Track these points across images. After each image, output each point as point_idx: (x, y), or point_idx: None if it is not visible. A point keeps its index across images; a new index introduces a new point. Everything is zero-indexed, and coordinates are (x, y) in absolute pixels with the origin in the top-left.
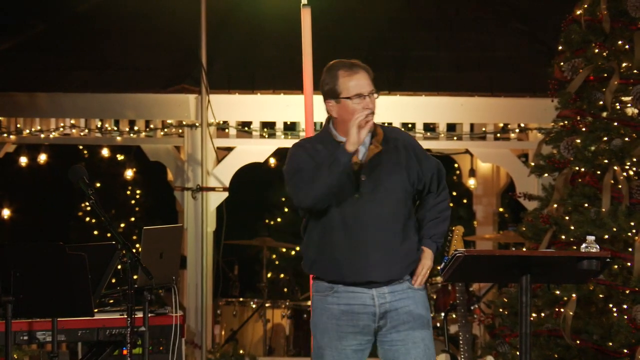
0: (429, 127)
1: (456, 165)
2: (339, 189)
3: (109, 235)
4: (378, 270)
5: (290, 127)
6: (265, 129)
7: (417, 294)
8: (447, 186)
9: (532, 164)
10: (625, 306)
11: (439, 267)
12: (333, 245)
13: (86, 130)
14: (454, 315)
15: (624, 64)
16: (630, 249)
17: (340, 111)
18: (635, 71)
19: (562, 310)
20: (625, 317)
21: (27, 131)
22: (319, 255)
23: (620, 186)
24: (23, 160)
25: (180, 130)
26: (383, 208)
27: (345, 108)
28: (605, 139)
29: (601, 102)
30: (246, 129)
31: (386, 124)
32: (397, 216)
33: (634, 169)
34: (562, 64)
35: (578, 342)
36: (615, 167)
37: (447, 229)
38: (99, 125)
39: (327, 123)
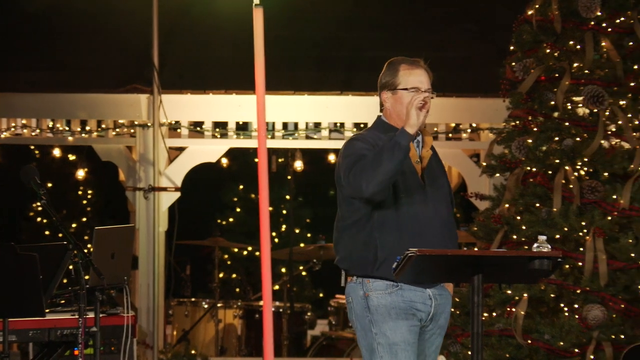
0: None
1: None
2: (397, 177)
3: (60, 235)
4: None
5: (242, 127)
6: (217, 129)
7: (451, 299)
8: None
9: (484, 163)
10: (576, 306)
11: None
12: (403, 245)
13: (38, 130)
14: None
15: (575, 64)
16: (581, 249)
17: (395, 103)
18: (586, 71)
19: (513, 310)
20: (577, 316)
21: None
22: (389, 255)
23: (571, 186)
24: None
25: (132, 130)
26: (441, 208)
27: (400, 99)
28: (557, 139)
29: (552, 102)
30: (198, 129)
31: (337, 124)
32: (450, 218)
33: (585, 169)
34: (513, 64)
35: (529, 341)
36: (567, 167)
37: None
38: (50, 125)
39: (377, 118)
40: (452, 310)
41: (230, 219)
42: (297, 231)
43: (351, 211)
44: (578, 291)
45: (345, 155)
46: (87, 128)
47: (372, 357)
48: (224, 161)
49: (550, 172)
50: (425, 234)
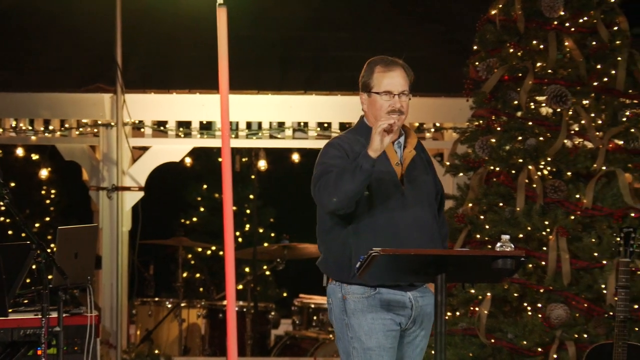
0: (345, 127)
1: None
2: (361, 194)
3: (23, 235)
4: None
5: (206, 127)
6: (181, 129)
7: (432, 297)
8: None
9: (447, 163)
10: (539, 305)
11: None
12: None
13: (0, 130)
14: None
15: (538, 64)
16: (544, 248)
17: (369, 105)
18: (549, 71)
19: (476, 309)
20: (540, 315)
21: None
22: None
23: (534, 185)
24: None
25: (95, 130)
26: (425, 211)
27: (373, 103)
28: (520, 138)
29: (516, 102)
30: (162, 128)
31: (301, 124)
32: (432, 221)
33: (548, 168)
34: (477, 63)
35: (493, 340)
36: (530, 167)
37: None
38: (13, 125)
39: (359, 119)
40: None
41: (194, 219)
42: (260, 231)
43: (327, 216)
44: (541, 290)
45: (318, 163)
46: (51, 127)
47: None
48: (188, 161)
49: (513, 172)
50: (402, 238)
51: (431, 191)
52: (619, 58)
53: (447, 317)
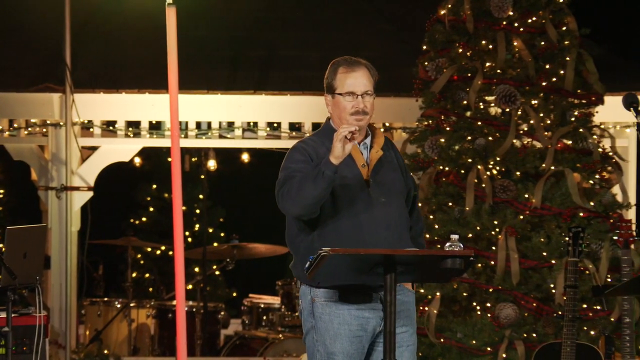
0: (295, 127)
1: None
2: (324, 199)
3: None
4: None
5: (155, 127)
6: (130, 129)
7: (414, 298)
8: None
9: None
10: (488, 304)
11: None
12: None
13: None
14: None
15: (487, 64)
16: (493, 248)
17: (334, 107)
18: (498, 71)
19: (426, 308)
20: (489, 315)
21: None
22: None
23: (483, 185)
24: None
25: (44, 130)
26: (390, 212)
27: (337, 104)
28: (469, 138)
29: (465, 102)
30: (111, 128)
31: (251, 124)
32: (401, 220)
33: (497, 168)
34: (426, 63)
35: (442, 340)
36: (479, 166)
37: None
38: None
39: (325, 121)
40: None
41: (144, 219)
42: (210, 230)
43: (294, 221)
44: (490, 290)
45: (282, 168)
46: None
47: None
48: (137, 160)
49: (462, 172)
50: (368, 240)
51: (401, 190)
52: (568, 58)
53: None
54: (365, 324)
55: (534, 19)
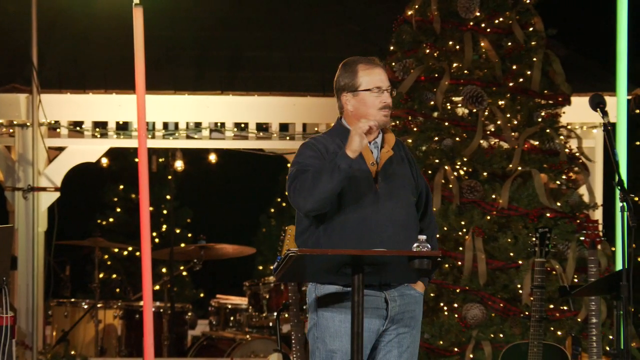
0: (262, 127)
1: (289, 165)
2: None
3: None
4: None
5: (122, 127)
6: (97, 129)
7: (420, 299)
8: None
9: None
10: (455, 305)
11: (271, 267)
12: (349, 248)
13: None
14: (286, 315)
15: (454, 65)
16: (460, 248)
17: (358, 104)
18: (465, 72)
19: None
20: (456, 315)
21: None
22: None
23: (450, 186)
24: None
25: (10, 130)
26: (399, 210)
27: (362, 100)
28: (436, 138)
29: (432, 102)
30: (78, 128)
31: (218, 124)
32: (409, 220)
33: (464, 168)
34: (393, 64)
35: None
36: (446, 167)
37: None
38: None
39: (336, 122)
40: None
41: (111, 219)
42: (177, 231)
43: (303, 217)
44: (457, 290)
45: (293, 163)
46: None
47: (312, 359)
48: (104, 161)
49: (430, 172)
50: (374, 238)
51: (410, 190)
52: (535, 59)
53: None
54: (367, 323)
55: (500, 19)
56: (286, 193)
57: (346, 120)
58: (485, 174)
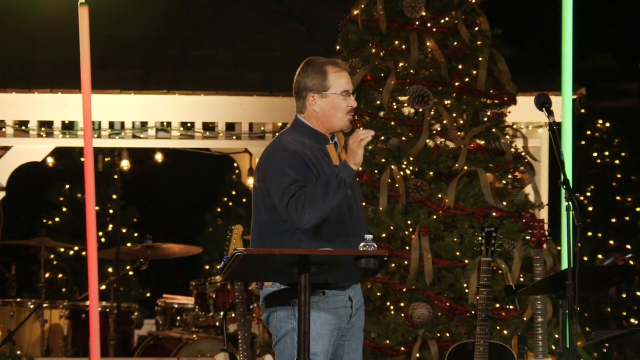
0: (208, 127)
1: (235, 164)
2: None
3: None
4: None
5: (68, 127)
6: (43, 128)
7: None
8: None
9: None
10: (402, 304)
11: (218, 267)
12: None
13: None
14: (233, 314)
15: (400, 64)
16: (407, 247)
17: (326, 106)
18: (411, 71)
19: None
20: (402, 315)
21: None
22: None
23: (397, 185)
24: None
25: None
26: (361, 209)
27: (331, 103)
28: (383, 138)
29: (378, 102)
30: (23, 128)
31: (164, 124)
32: (364, 217)
33: (411, 168)
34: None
35: None
36: (392, 166)
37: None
38: None
39: (297, 120)
40: None
41: (57, 219)
42: (124, 231)
43: (278, 220)
44: (404, 289)
45: (278, 171)
46: None
47: None
48: (50, 160)
49: (376, 172)
50: (351, 237)
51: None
52: (480, 58)
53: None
54: (340, 322)
55: (446, 19)
56: (282, 206)
57: (308, 120)
58: (431, 173)
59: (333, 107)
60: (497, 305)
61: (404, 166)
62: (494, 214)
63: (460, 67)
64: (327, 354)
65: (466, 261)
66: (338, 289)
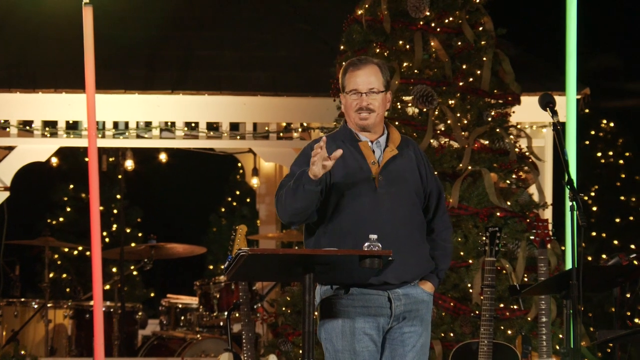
0: (212, 127)
1: (239, 164)
2: (312, 209)
3: None
4: (392, 272)
5: (72, 127)
6: (47, 128)
7: (429, 299)
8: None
9: None
10: None
11: (222, 266)
12: (347, 248)
13: None
14: (237, 314)
15: (404, 64)
16: None
17: (344, 105)
18: (415, 71)
19: None
20: None
21: None
22: None
23: None
24: None
25: None
26: (399, 210)
27: (346, 102)
28: None
29: None
30: (27, 128)
31: (168, 124)
32: (412, 219)
33: None
34: (343, 63)
35: None
36: None
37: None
38: None
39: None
40: (283, 309)
41: (61, 219)
42: (128, 231)
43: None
44: None
45: (290, 167)
46: None
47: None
48: (54, 160)
49: None
50: (382, 234)
51: (415, 189)
52: (484, 58)
53: (314, 317)
54: (373, 321)
55: (450, 19)
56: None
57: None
58: (435, 173)
59: (346, 106)
60: (501, 305)
61: None
62: (498, 214)
63: (464, 67)
64: (354, 352)
65: (470, 261)
66: (374, 289)
